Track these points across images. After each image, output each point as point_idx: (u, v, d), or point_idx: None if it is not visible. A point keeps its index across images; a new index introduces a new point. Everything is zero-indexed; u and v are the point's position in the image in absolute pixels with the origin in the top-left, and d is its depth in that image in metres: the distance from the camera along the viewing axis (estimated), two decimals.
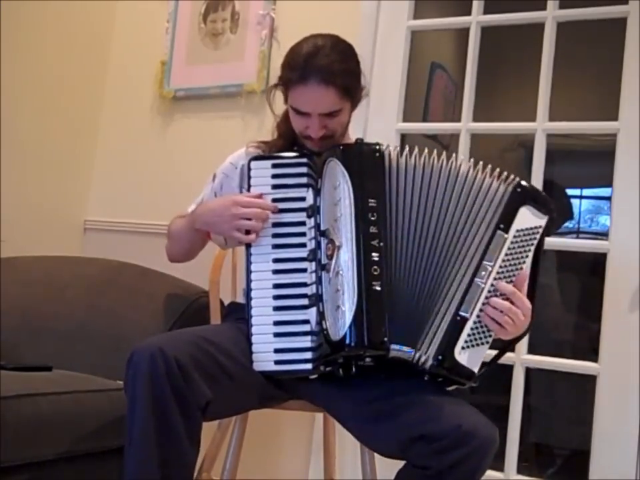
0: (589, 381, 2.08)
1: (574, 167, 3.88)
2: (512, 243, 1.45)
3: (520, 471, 2.13)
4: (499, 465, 2.11)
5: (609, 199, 2.81)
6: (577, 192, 4.28)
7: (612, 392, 2.02)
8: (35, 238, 2.57)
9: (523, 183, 1.49)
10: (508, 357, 2.14)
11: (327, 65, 1.55)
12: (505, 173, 1.50)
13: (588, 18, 2.21)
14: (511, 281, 1.45)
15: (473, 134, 2.28)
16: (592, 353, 2.16)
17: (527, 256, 1.47)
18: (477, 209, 1.48)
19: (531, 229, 1.47)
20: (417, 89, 3.01)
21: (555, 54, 2.20)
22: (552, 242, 2.31)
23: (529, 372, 2.20)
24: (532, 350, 2.15)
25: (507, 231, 1.45)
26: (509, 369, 2.14)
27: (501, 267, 1.44)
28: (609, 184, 2.14)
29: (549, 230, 1.51)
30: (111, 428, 1.74)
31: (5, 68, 2.46)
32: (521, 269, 1.46)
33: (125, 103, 2.82)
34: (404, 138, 2.40)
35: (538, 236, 1.48)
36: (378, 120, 2.37)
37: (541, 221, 1.48)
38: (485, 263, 1.44)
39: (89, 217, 2.81)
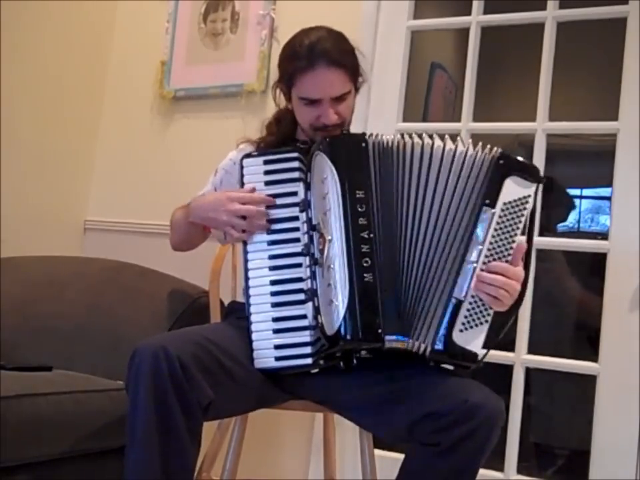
0: (589, 381, 2.08)
1: (574, 167, 3.88)
2: (500, 217, 1.42)
3: (520, 471, 2.13)
4: (498, 465, 2.11)
5: (609, 199, 2.80)
6: (577, 192, 4.28)
7: (612, 392, 2.02)
8: (35, 238, 2.57)
9: (506, 153, 1.45)
10: (508, 357, 2.15)
11: (332, 48, 1.57)
12: (488, 146, 1.46)
13: (588, 18, 2.22)
14: (509, 254, 1.42)
15: (472, 134, 2.28)
16: (592, 353, 2.15)
17: (518, 228, 1.43)
18: (462, 187, 1.45)
19: (519, 199, 1.43)
20: (417, 89, 3.01)
21: (555, 54, 2.21)
22: (552, 242, 2.31)
23: (529, 372, 2.20)
24: (532, 350, 2.15)
25: (493, 205, 1.42)
26: (509, 369, 2.14)
27: (491, 242, 1.41)
28: (609, 184, 2.14)
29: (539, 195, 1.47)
30: (111, 428, 1.73)
31: (5, 68, 2.46)
32: (514, 241, 1.42)
33: (125, 102, 2.81)
34: None
35: (528, 205, 1.44)
36: (378, 120, 2.37)
37: (529, 189, 1.44)
38: (474, 241, 1.41)
39: (88, 217, 2.81)
